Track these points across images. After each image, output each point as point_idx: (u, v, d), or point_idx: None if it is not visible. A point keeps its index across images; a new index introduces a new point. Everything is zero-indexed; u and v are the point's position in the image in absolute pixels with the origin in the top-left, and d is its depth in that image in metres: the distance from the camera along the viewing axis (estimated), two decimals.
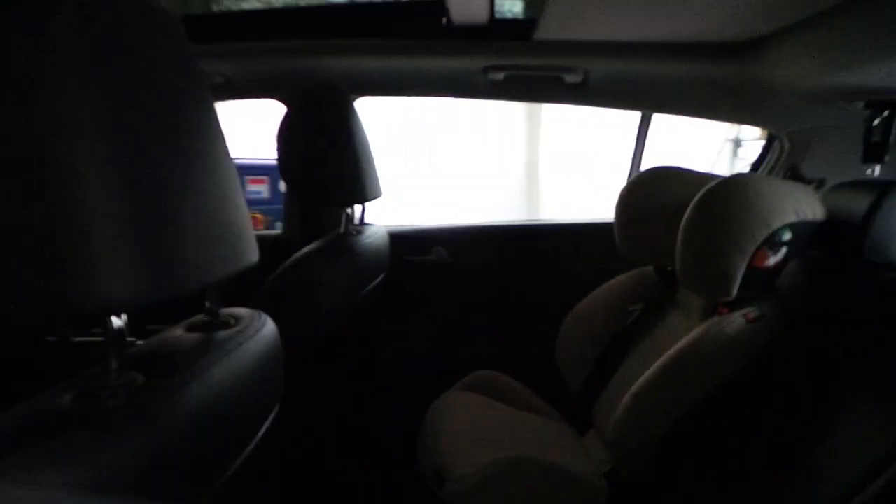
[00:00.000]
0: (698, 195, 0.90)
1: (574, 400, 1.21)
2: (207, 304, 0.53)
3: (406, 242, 1.43)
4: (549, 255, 1.50)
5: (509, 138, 4.14)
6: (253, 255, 0.51)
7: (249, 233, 0.51)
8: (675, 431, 0.89)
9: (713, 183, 0.90)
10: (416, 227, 1.50)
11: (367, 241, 1.07)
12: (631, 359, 1.14)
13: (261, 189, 3.35)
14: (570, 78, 1.12)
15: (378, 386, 1.40)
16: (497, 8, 0.98)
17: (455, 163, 4.02)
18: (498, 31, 1.02)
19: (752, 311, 0.90)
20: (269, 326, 0.57)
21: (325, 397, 1.04)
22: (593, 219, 1.54)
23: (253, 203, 3.45)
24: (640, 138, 1.41)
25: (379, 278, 1.14)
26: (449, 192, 3.96)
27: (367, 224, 1.24)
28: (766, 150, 1.38)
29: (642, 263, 1.22)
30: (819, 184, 1.16)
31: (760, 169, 1.37)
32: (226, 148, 0.50)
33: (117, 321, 0.40)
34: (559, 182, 4.08)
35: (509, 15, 1.03)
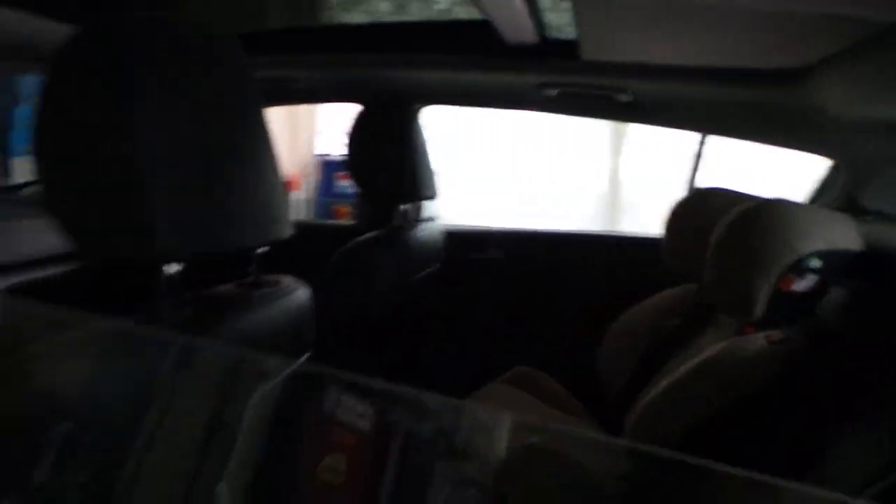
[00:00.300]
0: (729, 217, 0.93)
1: (609, 408, 1.26)
2: (252, 268, 0.66)
3: (465, 240, 1.52)
4: (599, 265, 1.55)
5: (593, 149, 4.14)
6: (284, 231, 0.63)
7: (283, 213, 0.63)
8: (689, 439, 0.92)
9: (744, 206, 0.92)
10: (476, 226, 1.59)
11: (418, 234, 1.18)
12: (664, 371, 1.17)
13: (349, 184, 3.60)
14: (620, 97, 1.17)
15: (420, 370, 1.50)
16: (546, 28, 1.04)
17: (537, 172, 4.08)
18: (548, 50, 1.08)
19: (776, 334, 0.92)
20: (301, 291, 0.69)
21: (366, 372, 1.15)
22: (647, 233, 1.56)
23: (342, 196, 3.68)
24: (697, 158, 1.42)
25: (430, 269, 1.23)
26: (530, 200, 4.02)
27: (424, 220, 1.34)
28: (827, 178, 1.36)
29: (688, 280, 1.25)
30: (878, 215, 1.15)
31: (819, 198, 1.35)
32: (269, 144, 0.62)
33: (172, 268, 0.54)
34: (645, 195, 4.03)
35: (557, 35, 1.09)
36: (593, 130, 4.12)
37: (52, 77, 0.56)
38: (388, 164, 1.07)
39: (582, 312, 1.49)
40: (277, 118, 3.40)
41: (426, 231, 1.20)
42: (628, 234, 1.58)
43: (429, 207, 1.35)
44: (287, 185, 3.62)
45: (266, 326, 0.62)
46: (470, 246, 1.55)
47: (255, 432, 0.67)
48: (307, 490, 0.71)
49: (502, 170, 4.05)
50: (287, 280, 0.70)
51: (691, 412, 0.91)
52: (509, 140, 4.02)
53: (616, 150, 4.17)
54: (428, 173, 1.18)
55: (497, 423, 0.92)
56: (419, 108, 1.35)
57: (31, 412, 0.64)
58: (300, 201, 3.69)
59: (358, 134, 1.08)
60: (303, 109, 3.60)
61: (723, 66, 1.04)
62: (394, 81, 1.29)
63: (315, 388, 0.73)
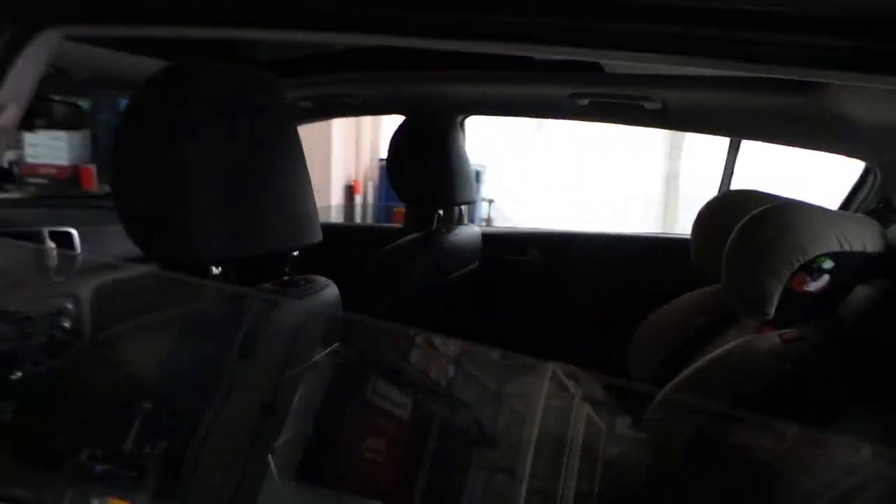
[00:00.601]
0: (742, 220, 0.97)
1: (639, 403, 1.31)
2: (287, 270, 0.78)
3: (502, 242, 1.60)
4: (633, 265, 1.59)
5: (648, 150, 4.10)
6: (314, 236, 0.74)
7: (313, 221, 0.74)
8: (700, 433, 0.97)
9: (757, 209, 0.96)
10: (513, 229, 1.67)
11: (454, 237, 1.27)
12: (687, 369, 1.22)
13: None
14: (648, 105, 1.22)
15: None
16: None
17: (594, 177, 4.08)
18: (574, 63, 1.15)
19: (790, 333, 0.95)
20: (329, 289, 0.79)
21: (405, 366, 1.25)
22: (679, 234, 1.60)
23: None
24: (730, 160, 1.45)
25: (466, 270, 1.32)
26: (587, 205, 4.03)
27: (462, 224, 1.44)
28: (860, 181, 1.35)
29: (716, 280, 1.28)
30: None
31: (853, 200, 1.35)
32: (301, 162, 0.73)
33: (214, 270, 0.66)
34: (703, 196, 3.95)
35: None
36: (649, 135, 4.09)
37: (131, 105, 0.69)
38: (426, 170, 1.18)
39: (615, 311, 1.53)
40: (343, 126, 3.58)
41: (463, 233, 1.29)
42: (662, 235, 1.61)
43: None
44: (351, 189, 3.81)
45: (286, 320, 0.73)
46: (507, 247, 1.62)
47: (302, 414, 0.79)
48: (349, 465, 0.82)
49: (559, 175, 4.08)
50: (318, 279, 0.81)
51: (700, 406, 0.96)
52: (567, 145, 4.05)
53: (675, 148, 4.11)
54: (465, 179, 1.27)
55: (528, 413, 1.00)
56: (460, 117, 1.44)
57: (121, 391, 0.78)
58: (362, 205, 3.86)
59: (399, 143, 1.19)
60: (367, 118, 3.78)
61: (746, 74, 1.08)
62: (435, 94, 1.39)
63: (358, 378, 0.83)
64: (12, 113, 0.58)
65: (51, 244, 1.49)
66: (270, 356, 0.79)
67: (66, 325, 1.38)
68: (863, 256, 0.95)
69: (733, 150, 1.44)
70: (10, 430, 0.78)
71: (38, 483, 0.60)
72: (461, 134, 1.30)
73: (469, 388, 0.96)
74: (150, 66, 1.06)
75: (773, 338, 0.97)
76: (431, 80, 1.37)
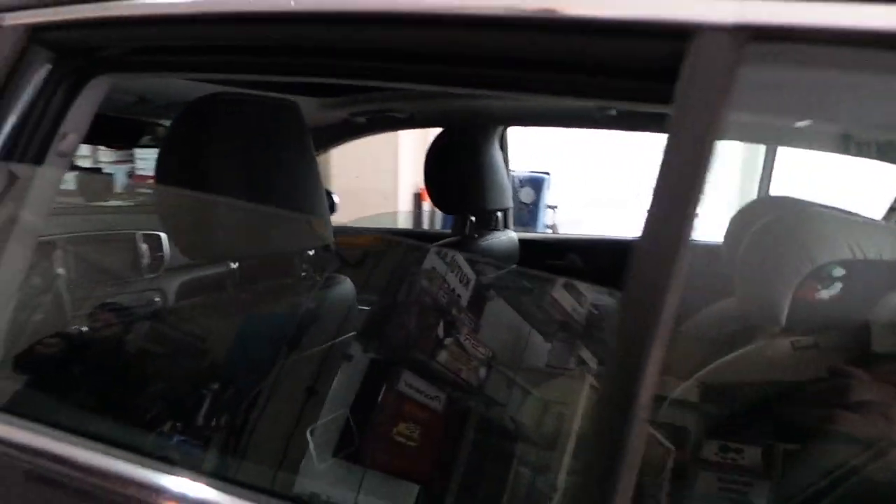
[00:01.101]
0: (753, 227, 1.00)
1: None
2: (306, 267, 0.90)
3: (543, 248, 1.67)
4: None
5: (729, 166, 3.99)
6: (325, 239, 0.85)
7: (324, 227, 0.86)
8: (710, 434, 1.00)
9: (771, 216, 0.99)
10: (554, 235, 1.73)
11: (484, 243, 1.36)
12: (695, 375, 1.24)
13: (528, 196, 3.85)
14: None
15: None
16: None
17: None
18: None
19: (804, 340, 0.97)
20: (343, 285, 0.91)
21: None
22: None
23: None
24: (767, 167, 1.45)
25: (498, 275, 1.40)
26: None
27: (497, 230, 1.52)
28: None
29: None
30: None
31: None
32: (314, 176, 0.86)
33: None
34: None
35: None
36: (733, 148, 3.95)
37: (171, 128, 0.85)
38: (458, 179, 1.28)
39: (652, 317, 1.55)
40: (410, 136, 3.73)
41: (497, 239, 1.37)
42: (706, 241, 1.61)
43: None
44: (419, 197, 3.95)
45: (311, 311, 0.85)
46: (547, 253, 1.68)
47: (339, 399, 0.90)
48: (381, 445, 0.92)
49: (628, 180, 4.05)
50: (334, 276, 0.93)
51: (708, 411, 0.99)
52: (638, 149, 4.00)
53: (750, 167, 3.97)
54: (499, 187, 1.36)
55: (562, 410, 1.07)
56: (500, 128, 1.53)
57: (194, 370, 0.93)
58: (430, 212, 3.99)
59: (434, 153, 1.30)
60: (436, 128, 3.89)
61: None
62: (475, 108, 1.48)
63: (389, 368, 0.94)
64: (72, 140, 0.76)
65: (143, 246, 1.70)
66: (313, 343, 0.92)
67: (146, 320, 1.59)
68: (878, 265, 0.95)
69: (770, 156, 1.43)
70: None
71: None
72: (496, 144, 1.38)
73: (499, 386, 1.05)
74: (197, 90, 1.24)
75: (784, 345, 0.99)
76: (473, 94, 1.47)
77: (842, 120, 0.85)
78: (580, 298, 1.45)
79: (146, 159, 2.79)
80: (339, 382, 0.90)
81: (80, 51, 0.74)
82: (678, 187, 0.45)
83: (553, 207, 3.72)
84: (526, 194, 3.56)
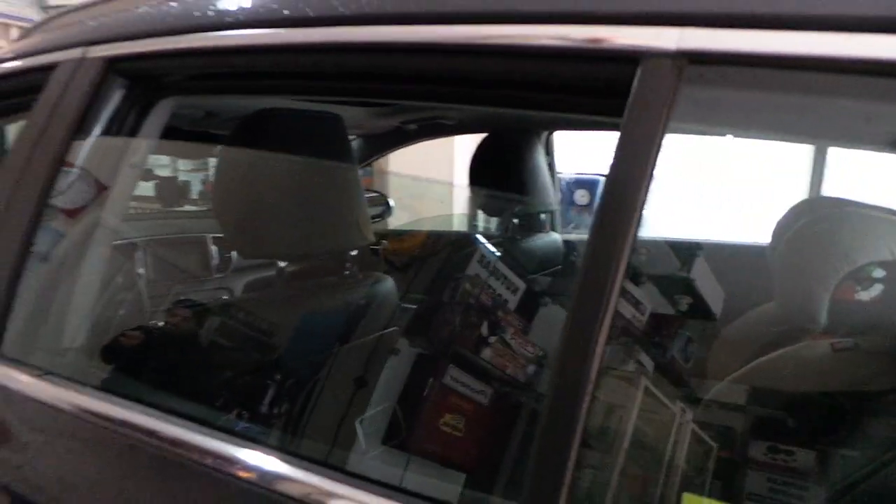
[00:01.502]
0: (794, 228, 1.01)
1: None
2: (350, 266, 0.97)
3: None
4: (719, 273, 1.59)
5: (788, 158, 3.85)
6: (365, 240, 0.93)
7: (364, 228, 0.93)
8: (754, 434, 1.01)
9: (810, 217, 1.00)
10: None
11: (522, 243, 1.41)
12: (732, 374, 1.24)
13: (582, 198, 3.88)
14: None
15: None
16: None
17: (724, 180, 3.91)
18: None
19: (844, 342, 0.97)
20: (385, 283, 0.98)
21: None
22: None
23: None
24: (818, 166, 1.43)
25: (540, 275, 1.45)
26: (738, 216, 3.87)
27: (541, 232, 1.56)
28: None
29: None
30: None
31: None
32: (353, 181, 0.93)
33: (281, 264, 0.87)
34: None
35: None
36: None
37: (226, 140, 0.95)
38: (500, 183, 1.33)
39: (697, 318, 1.55)
40: (464, 140, 3.79)
41: (533, 241, 1.41)
42: (749, 243, 1.60)
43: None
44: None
45: (360, 308, 0.92)
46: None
47: (386, 390, 0.97)
48: (428, 435, 0.98)
49: (687, 182, 3.96)
50: (375, 275, 1.00)
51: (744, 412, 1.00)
52: (696, 151, 3.91)
53: (817, 169, 3.81)
54: (543, 190, 1.40)
55: (607, 408, 1.11)
56: (542, 133, 1.57)
57: (257, 361, 1.02)
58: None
59: (477, 158, 1.36)
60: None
61: None
62: (519, 113, 1.52)
63: (439, 364, 1.00)
64: (142, 154, 0.87)
65: (213, 248, 1.83)
66: (361, 338, 0.99)
67: (213, 313, 1.71)
68: None
69: (820, 156, 1.41)
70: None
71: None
72: (540, 148, 1.43)
73: (544, 383, 1.09)
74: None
75: (823, 346, 0.99)
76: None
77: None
78: (627, 299, 1.47)
79: None
80: (388, 374, 0.97)
81: (149, 78, 0.86)
82: (626, 185, 0.51)
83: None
84: (580, 196, 3.55)
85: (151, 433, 0.68)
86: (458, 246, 1.68)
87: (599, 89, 0.58)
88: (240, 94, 0.89)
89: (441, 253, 1.41)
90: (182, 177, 2.81)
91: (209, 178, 3.00)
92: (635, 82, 0.52)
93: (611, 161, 0.53)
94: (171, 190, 2.11)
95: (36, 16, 3.69)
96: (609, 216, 0.52)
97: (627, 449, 0.78)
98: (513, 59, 0.60)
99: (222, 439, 0.67)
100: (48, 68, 0.88)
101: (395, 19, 0.64)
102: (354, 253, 0.99)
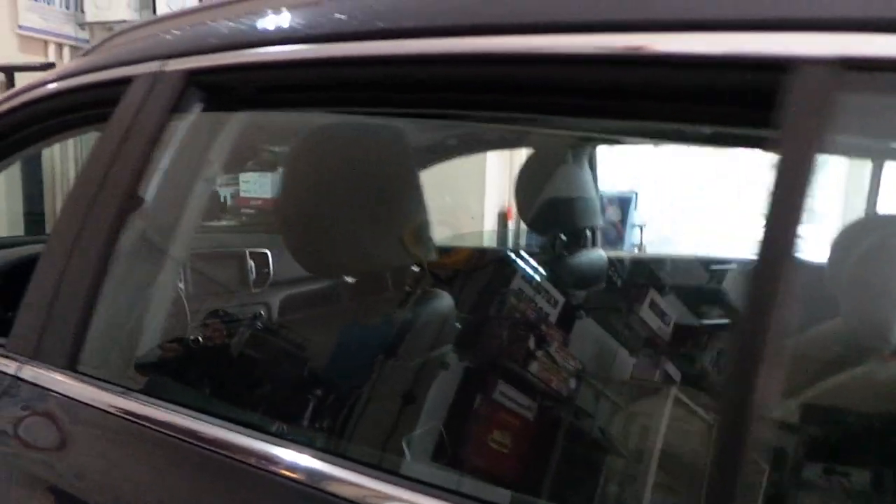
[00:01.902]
0: (861, 246, 0.97)
1: None
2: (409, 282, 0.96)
3: (632, 267, 1.67)
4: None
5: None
6: (429, 256, 0.91)
7: (427, 243, 0.92)
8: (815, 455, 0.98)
9: (878, 235, 0.97)
10: (645, 254, 1.71)
11: (573, 260, 1.38)
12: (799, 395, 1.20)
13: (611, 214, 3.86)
14: None
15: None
16: None
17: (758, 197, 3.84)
18: None
19: None
20: (442, 300, 0.96)
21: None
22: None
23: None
24: (874, 182, 1.39)
25: (587, 292, 1.42)
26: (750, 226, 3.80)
27: (586, 248, 1.53)
28: None
29: None
30: None
31: None
32: (417, 194, 0.92)
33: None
34: None
35: None
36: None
37: (294, 149, 0.94)
38: (546, 199, 1.32)
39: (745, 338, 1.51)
40: (496, 157, 3.80)
41: (586, 257, 1.39)
42: (810, 261, 1.55)
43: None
44: (504, 216, 4.00)
45: (410, 324, 0.91)
46: (636, 272, 1.67)
47: (435, 405, 0.95)
48: (476, 451, 0.96)
49: (723, 198, 3.92)
50: (434, 290, 0.98)
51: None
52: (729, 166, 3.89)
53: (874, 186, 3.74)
54: (589, 206, 1.38)
55: (646, 422, 1.09)
56: (586, 148, 1.55)
57: (303, 375, 1.01)
58: (514, 231, 4.03)
59: (527, 172, 1.35)
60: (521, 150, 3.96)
61: None
62: (564, 128, 1.51)
63: (488, 378, 0.98)
64: (216, 168, 0.87)
65: (250, 262, 1.84)
66: (411, 353, 0.98)
67: (259, 326, 1.71)
68: None
69: (877, 171, 1.38)
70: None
71: None
72: (586, 163, 1.41)
73: (587, 397, 1.07)
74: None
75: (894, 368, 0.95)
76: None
77: None
78: (664, 316, 1.45)
79: (248, 182, 3.03)
80: (437, 390, 0.95)
81: (228, 91, 0.85)
82: (786, 205, 0.48)
83: (640, 227, 3.66)
84: (612, 213, 3.53)
85: (193, 433, 0.68)
86: (503, 261, 1.67)
87: (741, 99, 0.55)
88: (320, 107, 0.89)
89: (486, 267, 1.39)
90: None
91: (238, 192, 3.05)
92: (787, 92, 0.48)
93: (771, 176, 0.49)
94: (213, 203, 2.14)
95: (73, 32, 3.67)
96: (773, 233, 0.49)
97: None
98: (648, 69, 0.57)
99: (260, 439, 0.66)
100: (123, 82, 0.88)
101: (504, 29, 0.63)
102: (413, 268, 0.98)
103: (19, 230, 3.30)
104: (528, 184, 1.36)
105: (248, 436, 0.67)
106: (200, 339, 1.04)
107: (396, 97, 0.75)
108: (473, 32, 0.64)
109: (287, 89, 0.83)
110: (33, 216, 3.38)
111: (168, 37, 0.91)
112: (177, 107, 0.81)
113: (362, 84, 0.74)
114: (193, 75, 0.82)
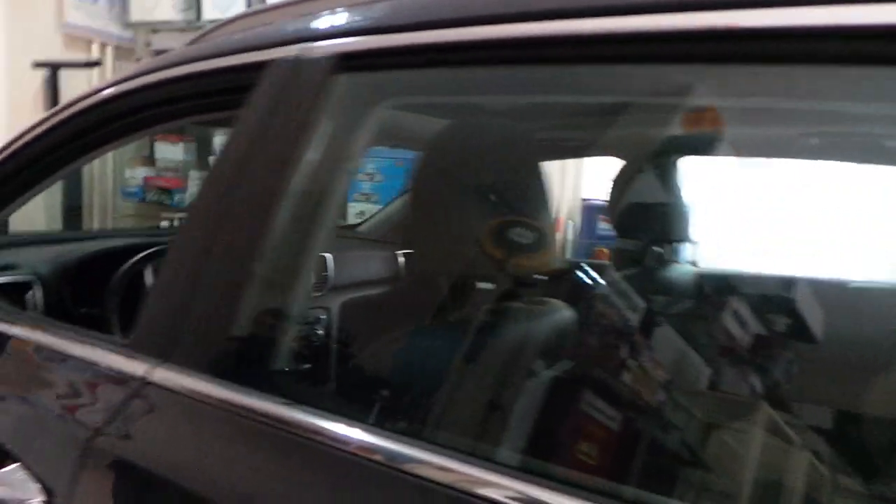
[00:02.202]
0: None
1: None
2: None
3: (719, 282, 1.60)
4: (856, 315, 1.49)
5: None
6: (551, 265, 0.87)
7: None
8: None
9: None
10: (733, 270, 1.64)
11: (667, 274, 1.34)
12: None
13: (609, 227, 3.76)
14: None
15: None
16: None
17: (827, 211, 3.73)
18: None
19: None
20: (561, 312, 0.92)
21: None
22: None
23: (602, 238, 3.88)
24: None
25: (677, 307, 1.38)
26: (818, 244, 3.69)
27: (673, 262, 1.48)
28: None
29: None
30: None
31: None
32: (543, 195, 0.88)
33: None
34: None
35: None
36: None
37: (425, 150, 0.92)
38: (639, 209, 1.28)
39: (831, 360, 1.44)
40: (547, 167, 3.76)
41: (677, 271, 1.34)
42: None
43: (687, 253, 1.47)
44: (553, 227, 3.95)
45: (526, 335, 0.87)
46: (724, 288, 1.61)
47: (525, 413, 0.92)
48: (564, 463, 0.93)
49: (785, 214, 3.81)
50: (552, 302, 0.94)
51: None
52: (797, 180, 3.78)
53: None
54: (680, 219, 1.34)
55: (739, 444, 1.04)
56: (676, 159, 1.51)
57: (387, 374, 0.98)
58: (562, 242, 3.97)
59: (622, 182, 1.31)
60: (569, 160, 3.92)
61: None
62: (653, 138, 1.47)
63: (576, 389, 0.95)
64: (358, 159, 0.83)
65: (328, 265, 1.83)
66: (499, 359, 0.94)
67: (320, 331, 1.68)
68: None
69: None
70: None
71: None
72: (676, 174, 1.37)
73: (674, 409, 1.03)
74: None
75: None
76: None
77: None
78: (746, 328, 1.40)
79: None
80: (525, 398, 0.92)
81: (376, 76, 0.79)
82: None
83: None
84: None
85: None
86: (587, 267, 1.62)
87: None
88: (471, 93, 0.84)
89: (571, 273, 1.35)
90: None
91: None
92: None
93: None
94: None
95: (117, 31, 3.65)
96: None
97: None
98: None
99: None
100: (255, 67, 0.83)
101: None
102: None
103: (57, 224, 3.27)
104: (622, 193, 1.32)
105: (396, 441, 0.63)
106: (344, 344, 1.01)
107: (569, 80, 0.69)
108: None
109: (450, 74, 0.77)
110: (72, 210, 3.38)
111: (310, 18, 0.84)
112: (321, 93, 0.75)
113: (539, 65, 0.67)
114: (342, 59, 0.76)
